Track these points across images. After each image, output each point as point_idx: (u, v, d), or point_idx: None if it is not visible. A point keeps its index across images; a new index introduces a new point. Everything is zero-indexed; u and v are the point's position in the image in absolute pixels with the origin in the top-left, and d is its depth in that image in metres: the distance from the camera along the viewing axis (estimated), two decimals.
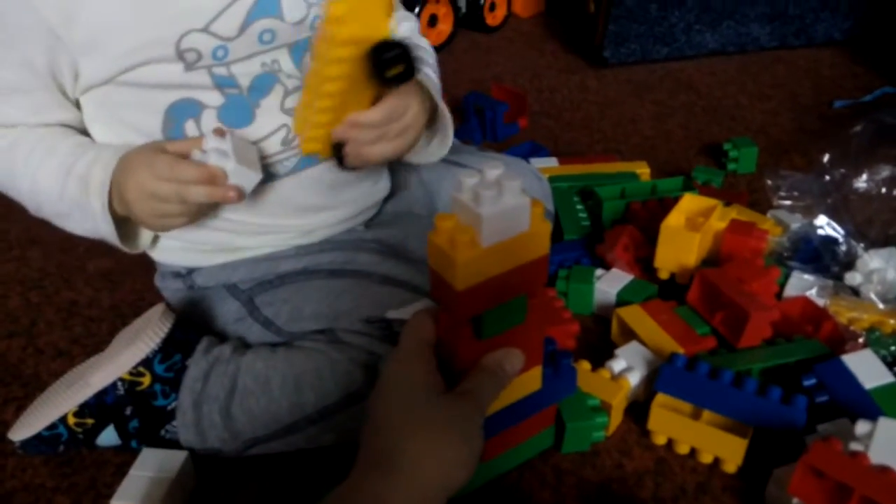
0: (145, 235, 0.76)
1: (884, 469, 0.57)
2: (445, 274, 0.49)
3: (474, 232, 0.48)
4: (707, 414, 0.68)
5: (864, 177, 0.91)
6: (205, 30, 0.65)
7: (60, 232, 0.68)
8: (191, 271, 0.78)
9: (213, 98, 0.68)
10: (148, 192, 0.65)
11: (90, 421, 0.67)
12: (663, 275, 0.86)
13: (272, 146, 0.71)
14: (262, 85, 0.70)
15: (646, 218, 0.92)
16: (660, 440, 0.70)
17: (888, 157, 0.92)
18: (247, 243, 0.77)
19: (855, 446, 0.61)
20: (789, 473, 0.61)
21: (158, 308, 0.71)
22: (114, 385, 0.67)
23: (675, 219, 0.84)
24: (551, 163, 1.10)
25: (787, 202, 0.96)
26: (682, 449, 0.69)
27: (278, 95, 0.71)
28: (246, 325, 0.75)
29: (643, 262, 0.89)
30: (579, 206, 1.00)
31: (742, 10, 1.55)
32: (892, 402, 0.67)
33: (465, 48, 1.67)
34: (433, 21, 1.62)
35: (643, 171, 1.08)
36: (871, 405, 0.67)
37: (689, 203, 0.86)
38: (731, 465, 0.67)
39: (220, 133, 0.66)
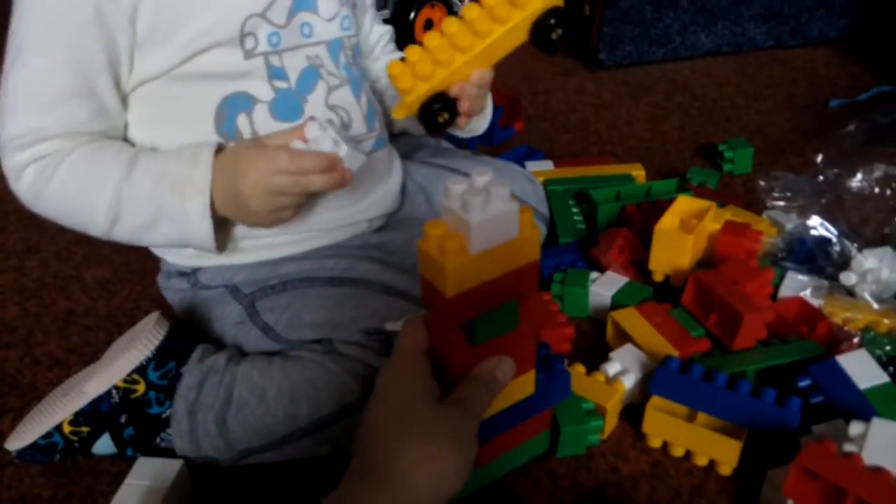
0: (229, 236, 0.75)
1: (877, 470, 0.57)
2: (435, 281, 0.49)
3: (463, 239, 0.48)
4: (702, 416, 0.68)
5: (859, 176, 0.91)
6: (262, 15, 0.69)
7: (58, 241, 0.68)
8: (195, 270, 0.79)
9: (265, 92, 0.71)
10: (268, 188, 0.65)
11: (86, 429, 0.68)
12: (658, 277, 0.86)
13: None
14: (308, 79, 0.73)
15: (640, 220, 0.92)
16: (655, 443, 0.70)
17: (882, 156, 0.92)
18: (266, 242, 0.77)
19: (849, 447, 0.61)
20: (784, 475, 0.61)
21: (153, 316, 0.71)
22: (108, 393, 0.67)
23: (668, 221, 0.84)
24: (547, 166, 1.11)
25: (781, 203, 0.96)
26: (678, 452, 0.69)
27: (322, 92, 0.74)
28: (245, 329, 0.75)
29: (638, 265, 0.89)
30: (574, 210, 1.00)
31: (737, 10, 1.56)
32: (886, 403, 0.67)
33: None
34: (429, 25, 1.62)
35: (639, 173, 1.08)
36: (865, 406, 0.67)
37: (683, 205, 0.87)
38: (726, 468, 0.67)
39: (312, 120, 0.67)
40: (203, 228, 0.67)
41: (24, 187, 0.67)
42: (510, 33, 0.66)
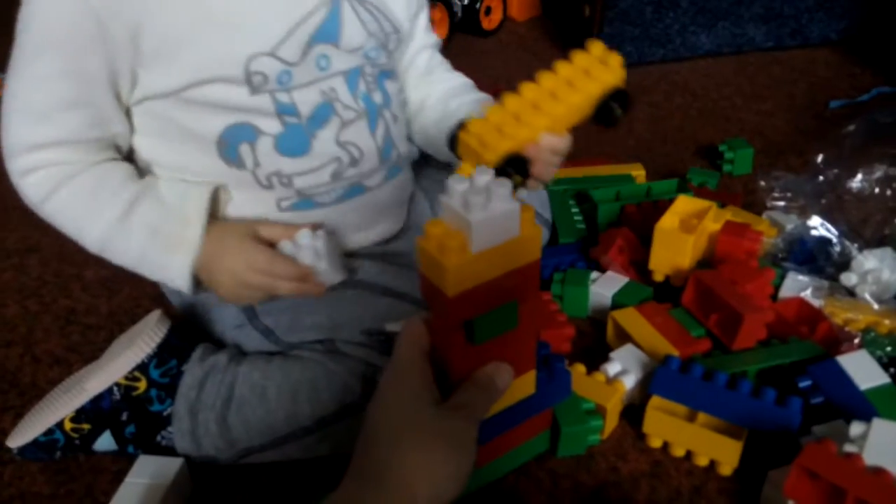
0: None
1: (878, 470, 0.57)
2: (436, 280, 0.49)
3: (464, 238, 0.48)
4: (702, 416, 0.68)
5: (859, 177, 0.91)
6: (271, 54, 0.65)
7: (58, 240, 0.68)
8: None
9: (272, 125, 0.68)
10: (240, 281, 0.68)
11: (87, 426, 0.68)
12: (658, 277, 0.86)
13: (321, 178, 0.72)
14: (321, 115, 0.70)
15: (640, 220, 0.92)
16: (655, 443, 0.70)
17: (882, 156, 0.92)
18: None
19: (849, 448, 0.61)
20: (784, 475, 0.61)
21: (155, 314, 0.71)
22: (110, 390, 0.67)
23: (668, 221, 0.84)
24: None
25: (781, 203, 0.96)
26: (678, 452, 0.69)
27: (335, 128, 0.71)
28: (245, 332, 0.75)
29: (638, 265, 0.89)
30: (575, 210, 1.00)
31: (737, 11, 1.56)
32: (887, 403, 0.68)
33: (461, 52, 1.67)
34: None
35: (638, 173, 1.09)
36: (866, 406, 0.67)
37: (683, 205, 0.87)
38: (726, 468, 0.67)
39: (314, 229, 0.70)
40: (182, 282, 0.69)
41: (27, 196, 0.68)
42: (581, 103, 0.69)
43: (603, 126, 0.71)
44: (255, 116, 0.68)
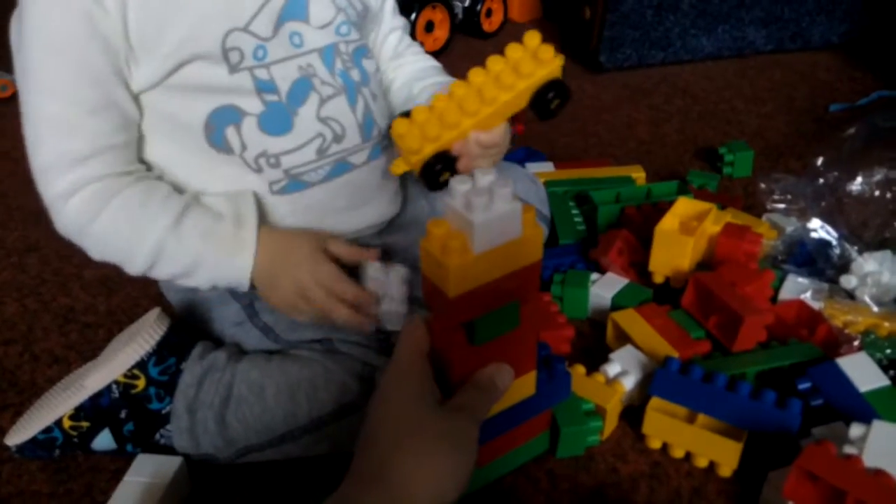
0: None
1: (877, 472, 0.57)
2: (438, 280, 0.49)
3: (466, 238, 0.48)
4: (702, 418, 0.68)
5: (858, 180, 0.91)
6: (245, 29, 0.67)
7: (57, 239, 0.67)
8: None
9: (254, 105, 0.69)
10: (301, 291, 0.68)
11: (85, 424, 0.68)
12: (658, 279, 0.86)
13: (307, 155, 0.72)
14: (300, 91, 0.71)
15: (640, 222, 0.92)
16: (655, 444, 0.70)
17: (882, 159, 0.92)
18: None
19: (849, 449, 0.61)
20: (784, 477, 0.61)
21: (154, 312, 0.71)
22: (109, 388, 0.67)
23: (668, 223, 0.84)
24: (547, 167, 1.11)
25: (781, 206, 0.96)
26: (677, 453, 0.69)
27: (314, 104, 0.72)
28: (244, 329, 0.75)
29: (638, 267, 0.89)
30: (575, 211, 1.00)
31: (738, 14, 1.56)
32: (886, 405, 0.68)
33: (462, 54, 1.68)
34: (430, 27, 1.63)
35: (639, 175, 1.09)
36: (866, 408, 0.68)
37: (683, 207, 0.87)
38: (726, 469, 0.67)
39: (382, 260, 0.72)
40: (243, 282, 0.69)
41: (69, 220, 0.66)
42: (513, 99, 0.69)
43: (539, 118, 0.71)
44: (236, 97, 0.69)
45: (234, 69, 0.68)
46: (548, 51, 0.67)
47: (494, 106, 0.69)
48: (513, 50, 0.67)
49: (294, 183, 0.73)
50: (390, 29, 0.86)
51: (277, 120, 0.70)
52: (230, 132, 0.69)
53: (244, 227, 0.69)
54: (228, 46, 0.67)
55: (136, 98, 0.68)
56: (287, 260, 0.69)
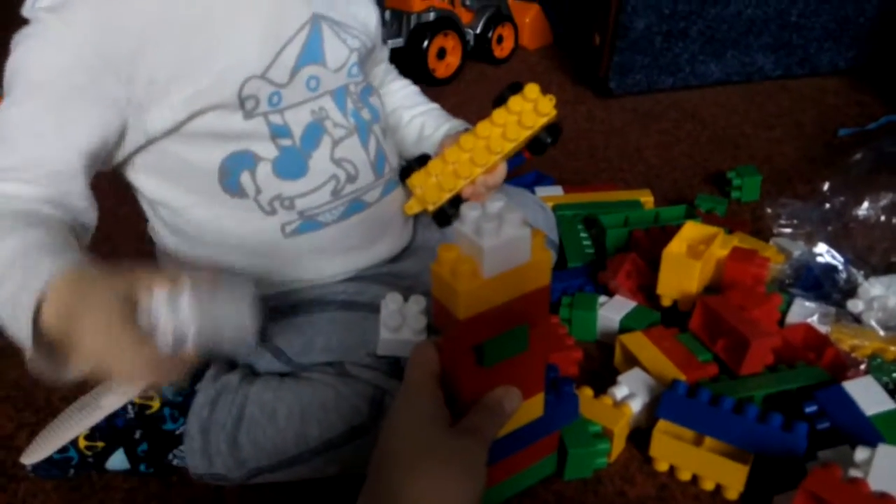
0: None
1: (883, 496, 0.57)
2: (448, 303, 0.50)
3: (476, 263, 0.49)
4: (708, 441, 0.68)
5: (865, 204, 0.92)
6: (262, 76, 0.68)
7: None
8: None
9: (268, 150, 0.70)
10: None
11: (101, 444, 0.69)
12: (666, 302, 0.87)
13: (322, 197, 0.74)
14: (313, 135, 0.72)
15: (648, 245, 0.93)
16: (662, 467, 0.71)
17: (889, 184, 0.93)
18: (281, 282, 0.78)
19: (854, 473, 0.61)
20: (790, 500, 0.61)
21: None
22: (125, 408, 0.68)
23: (676, 246, 0.85)
24: (557, 191, 1.12)
25: (788, 230, 0.97)
26: (684, 476, 0.69)
27: (328, 146, 0.73)
28: (256, 352, 0.76)
29: (646, 290, 0.90)
30: (583, 234, 1.01)
31: (746, 40, 1.57)
32: (892, 429, 0.68)
33: (474, 79, 1.70)
34: (442, 54, 1.65)
35: (647, 199, 1.10)
36: (872, 432, 0.68)
37: (691, 231, 0.87)
38: (732, 492, 0.67)
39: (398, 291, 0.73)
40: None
41: None
42: (515, 149, 0.77)
43: (533, 154, 0.80)
44: (251, 142, 0.70)
45: (248, 115, 0.69)
46: (547, 104, 0.75)
47: (500, 155, 0.76)
48: (516, 104, 0.75)
49: (307, 223, 0.74)
50: (381, 60, 0.89)
51: (292, 164, 0.71)
52: (245, 177, 0.70)
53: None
54: (245, 95, 0.67)
55: (136, 148, 0.68)
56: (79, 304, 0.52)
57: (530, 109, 0.74)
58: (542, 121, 0.75)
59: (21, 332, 0.52)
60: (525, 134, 0.75)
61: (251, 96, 0.68)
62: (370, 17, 0.81)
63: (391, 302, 0.72)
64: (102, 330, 0.50)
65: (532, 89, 0.74)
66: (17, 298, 0.53)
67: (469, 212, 0.49)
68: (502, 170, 0.78)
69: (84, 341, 0.50)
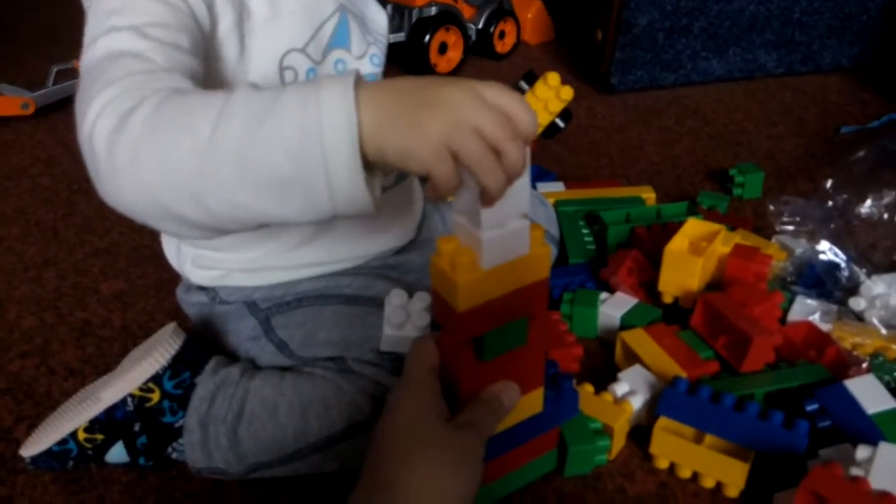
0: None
1: (884, 494, 0.57)
2: (447, 295, 0.50)
3: (475, 254, 0.49)
4: (709, 438, 0.68)
5: (868, 202, 0.92)
6: (302, 50, 0.70)
7: (75, 254, 0.69)
8: (216, 286, 0.79)
9: None
10: (463, 117, 0.45)
11: (100, 436, 0.68)
12: (667, 299, 0.86)
13: None
14: None
15: (650, 242, 0.93)
16: (662, 464, 0.70)
17: (891, 182, 0.93)
18: (286, 265, 0.78)
19: (855, 471, 0.61)
20: (790, 498, 0.61)
21: (170, 326, 0.72)
22: (124, 401, 0.68)
23: (678, 243, 0.85)
24: (558, 187, 1.12)
25: (790, 227, 0.97)
26: (685, 473, 0.69)
27: None
28: (259, 344, 0.76)
29: (647, 286, 0.89)
30: (585, 231, 1.01)
31: (748, 37, 1.57)
32: (894, 428, 0.67)
33: (475, 75, 1.69)
34: (443, 48, 1.64)
35: (649, 195, 1.09)
36: (873, 430, 0.68)
37: (693, 228, 0.87)
38: (733, 490, 0.67)
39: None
40: (350, 125, 0.45)
41: (102, 133, 0.49)
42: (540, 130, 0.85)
43: (544, 137, 0.87)
44: None
45: None
46: (568, 91, 0.83)
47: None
48: (542, 90, 0.82)
49: None
50: None
51: None
52: None
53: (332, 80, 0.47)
54: (285, 66, 0.69)
55: None
56: (426, 84, 0.47)
57: (553, 96, 0.81)
58: (562, 106, 0.81)
59: (340, 156, 0.45)
60: (549, 119, 0.81)
61: (290, 67, 0.69)
62: (382, 19, 0.83)
63: (395, 298, 0.71)
64: (465, 92, 0.45)
65: (553, 77, 0.80)
66: (309, 121, 0.45)
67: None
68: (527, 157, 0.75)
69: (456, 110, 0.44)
